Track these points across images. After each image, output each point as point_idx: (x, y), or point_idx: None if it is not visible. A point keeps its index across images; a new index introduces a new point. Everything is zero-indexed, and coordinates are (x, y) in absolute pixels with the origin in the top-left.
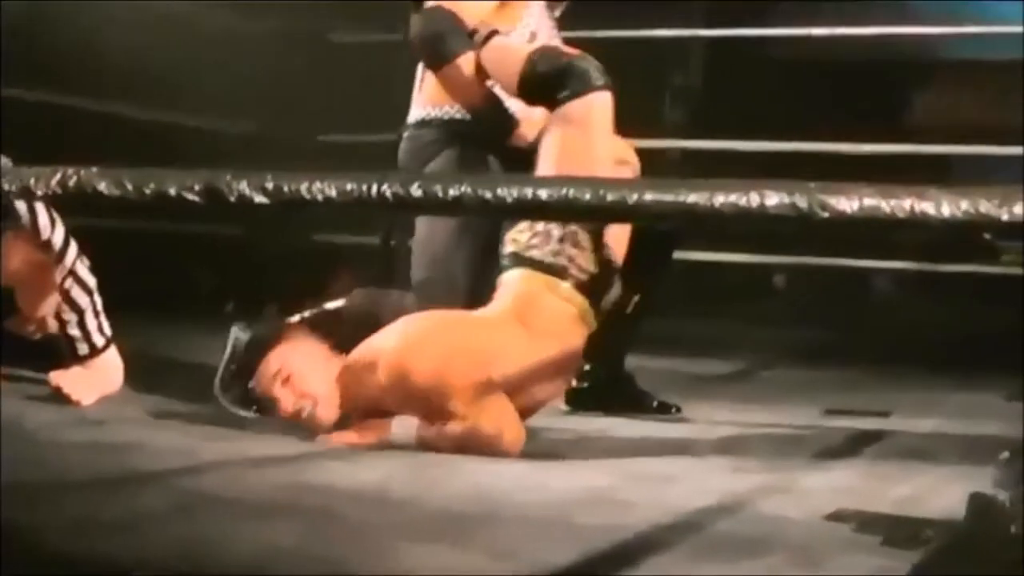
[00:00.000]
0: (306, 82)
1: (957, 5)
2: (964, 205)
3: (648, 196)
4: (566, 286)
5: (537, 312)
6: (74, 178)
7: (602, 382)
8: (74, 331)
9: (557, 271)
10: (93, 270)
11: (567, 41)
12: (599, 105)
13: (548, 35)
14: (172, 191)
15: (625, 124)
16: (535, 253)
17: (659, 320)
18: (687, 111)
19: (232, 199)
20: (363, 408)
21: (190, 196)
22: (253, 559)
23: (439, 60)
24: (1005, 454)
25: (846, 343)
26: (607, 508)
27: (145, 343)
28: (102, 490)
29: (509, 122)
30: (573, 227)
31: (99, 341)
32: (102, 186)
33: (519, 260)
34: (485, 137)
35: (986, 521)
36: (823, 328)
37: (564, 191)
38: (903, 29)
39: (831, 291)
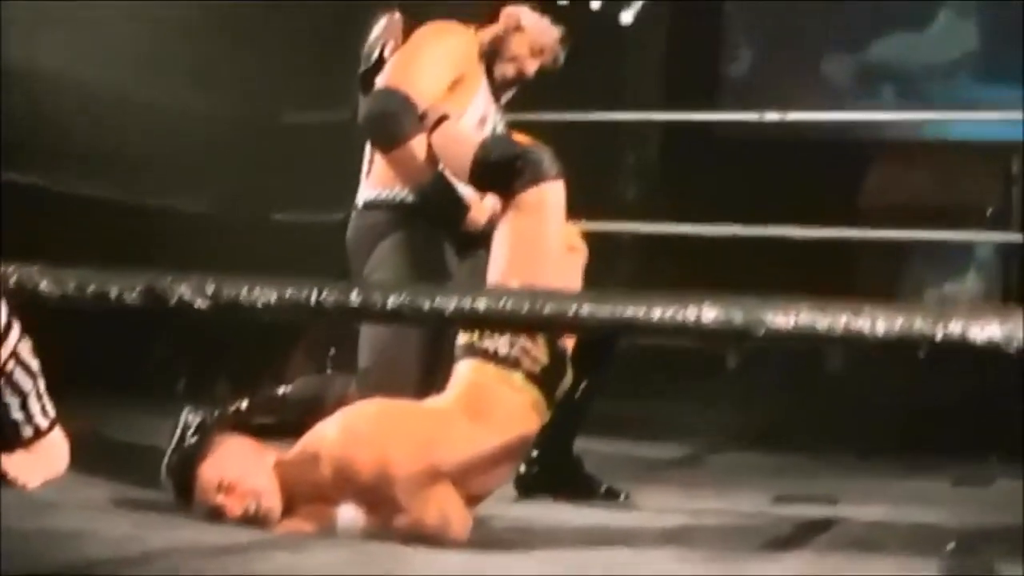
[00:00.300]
0: (260, 162)
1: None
2: (899, 323)
3: (586, 309)
4: (519, 377)
5: (487, 403)
6: (15, 276)
7: (550, 467)
8: (17, 415)
9: (510, 363)
10: (38, 346)
11: (519, 124)
12: (552, 195)
13: (495, 119)
14: (113, 293)
15: (577, 203)
16: (488, 344)
17: (609, 401)
18: (640, 191)
19: (172, 303)
20: (307, 497)
21: (131, 299)
22: None
23: (389, 142)
24: (951, 545)
25: (796, 425)
26: None
27: (96, 423)
28: None
29: (459, 207)
30: None
31: (43, 423)
32: (43, 285)
33: (472, 351)
34: (436, 220)
35: None
36: (774, 409)
37: (502, 303)
38: (852, 115)
39: (782, 370)
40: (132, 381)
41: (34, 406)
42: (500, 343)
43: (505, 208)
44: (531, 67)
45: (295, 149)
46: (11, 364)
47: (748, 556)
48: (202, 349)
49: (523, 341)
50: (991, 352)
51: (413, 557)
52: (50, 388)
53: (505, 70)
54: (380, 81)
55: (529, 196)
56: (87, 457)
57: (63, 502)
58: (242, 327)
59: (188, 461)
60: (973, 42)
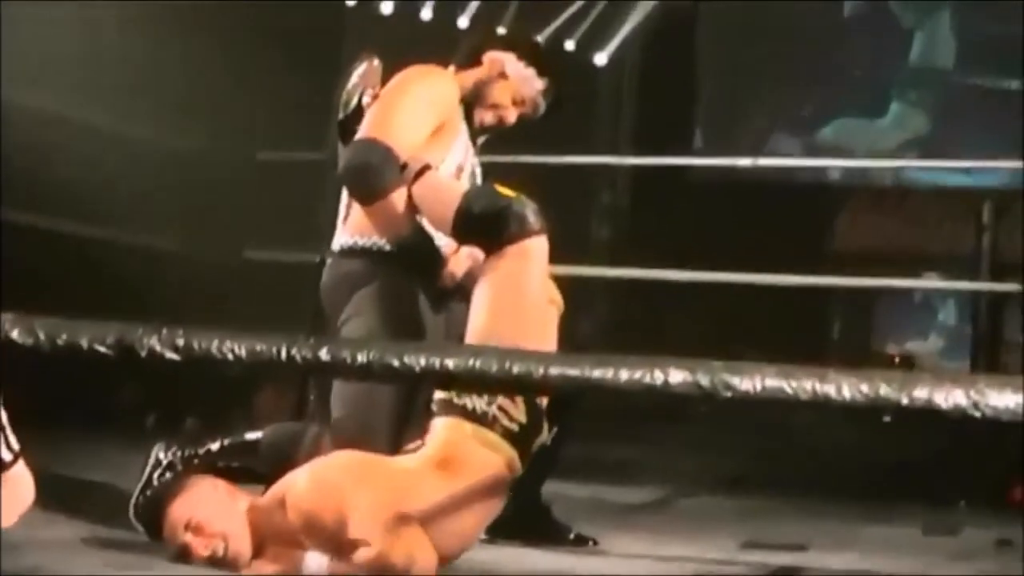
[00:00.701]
0: (233, 200)
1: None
2: (864, 389)
3: (553, 371)
4: (494, 436)
5: (460, 461)
6: None
7: (519, 511)
8: None
9: (487, 421)
10: (3, 381)
11: (491, 167)
12: (536, 249)
13: (472, 163)
14: (84, 343)
15: (551, 245)
16: (466, 402)
17: (580, 445)
18: (612, 232)
19: (143, 354)
20: (276, 541)
21: (102, 349)
22: None
23: (370, 195)
24: None
25: (766, 471)
26: None
27: (64, 461)
28: None
29: (437, 258)
30: None
31: (7, 457)
32: (14, 334)
33: (449, 408)
34: (413, 270)
35: None
36: (744, 455)
37: (471, 362)
38: (824, 161)
39: (753, 417)
40: (101, 418)
41: None
42: (477, 401)
43: (488, 260)
44: (511, 116)
45: (269, 187)
46: None
47: None
48: (172, 387)
49: (501, 400)
50: (957, 418)
51: None
52: (15, 424)
53: (484, 116)
54: (361, 131)
55: (513, 249)
56: (55, 495)
57: (29, 541)
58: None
59: (157, 499)
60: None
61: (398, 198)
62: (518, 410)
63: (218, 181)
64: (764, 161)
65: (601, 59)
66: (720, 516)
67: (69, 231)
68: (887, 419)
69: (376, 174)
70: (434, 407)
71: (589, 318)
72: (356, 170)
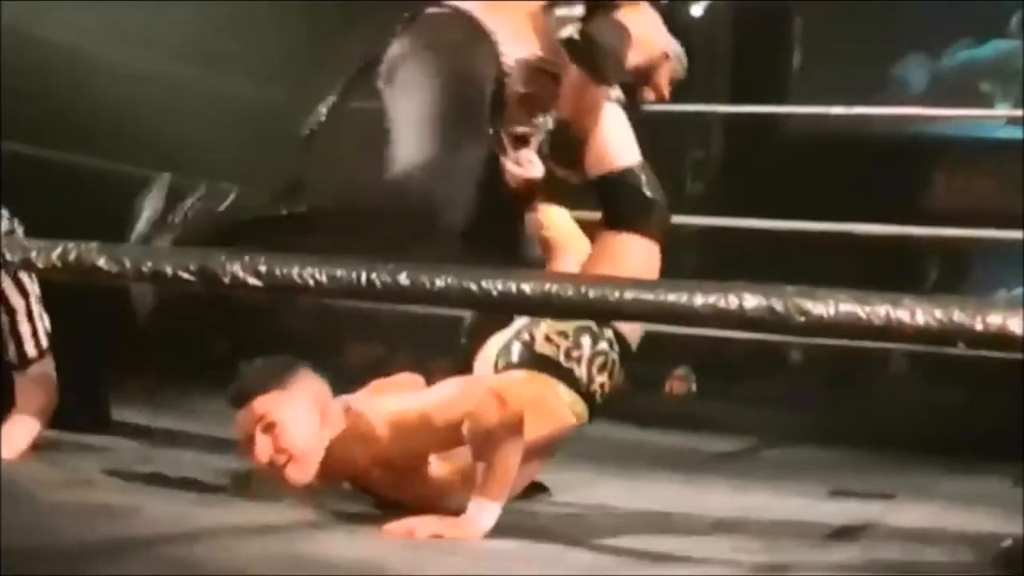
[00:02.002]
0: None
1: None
2: (938, 315)
3: (628, 295)
4: (580, 406)
5: (548, 410)
6: (73, 253)
7: None
8: (5, 334)
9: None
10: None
11: None
12: (643, 250)
13: None
14: (168, 270)
15: None
16: (573, 366)
17: (668, 398)
18: (705, 186)
19: (226, 280)
20: (344, 479)
21: (185, 275)
22: None
23: (609, 78)
24: (1007, 541)
25: (855, 422)
26: None
27: (150, 409)
28: (86, 557)
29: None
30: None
31: (31, 352)
32: (101, 262)
33: (546, 364)
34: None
35: None
36: (832, 408)
37: (547, 287)
38: (923, 110)
39: (843, 369)
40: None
41: (23, 327)
42: (582, 371)
43: (603, 230)
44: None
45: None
46: (7, 284)
47: (798, 549)
48: (265, 339)
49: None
50: None
51: (466, 545)
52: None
53: (647, 95)
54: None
55: (626, 236)
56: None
57: (109, 477)
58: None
59: (249, 385)
60: None
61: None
62: (608, 386)
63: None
64: (858, 109)
65: (697, 10)
66: (806, 466)
67: (116, 170)
68: (961, 346)
69: (620, 64)
70: (524, 356)
71: (679, 269)
72: (612, 53)
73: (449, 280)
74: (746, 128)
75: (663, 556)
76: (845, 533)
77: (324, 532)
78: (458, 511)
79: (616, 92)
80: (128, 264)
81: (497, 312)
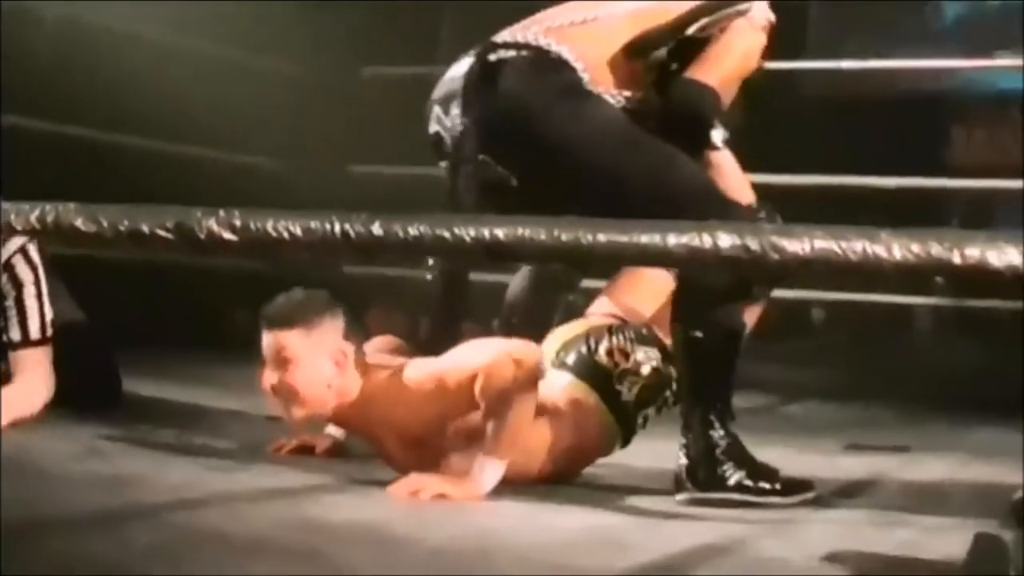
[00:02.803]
0: (341, 115)
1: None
2: (915, 249)
3: (602, 237)
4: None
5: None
6: (52, 214)
7: None
8: (10, 307)
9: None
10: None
11: None
12: None
13: None
14: (145, 228)
15: None
16: (623, 388)
17: None
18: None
19: (202, 236)
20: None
21: (162, 233)
22: None
23: (699, 147)
24: (1019, 493)
25: (874, 380)
26: (600, 549)
27: (174, 379)
28: (96, 525)
29: None
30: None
31: (34, 330)
32: (79, 222)
33: (598, 378)
34: None
35: (986, 562)
36: (852, 365)
37: (520, 231)
38: (933, 63)
39: (865, 328)
40: (207, 342)
41: (30, 303)
42: (631, 389)
43: None
44: None
45: (374, 103)
46: (17, 257)
47: (813, 502)
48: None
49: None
50: (1011, 278)
51: (469, 508)
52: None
53: None
54: (706, 74)
55: None
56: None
57: (118, 446)
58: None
59: (279, 314)
60: None
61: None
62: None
63: (323, 98)
64: (872, 63)
65: None
66: (824, 421)
67: (171, 151)
68: (940, 280)
69: (703, 126)
70: (578, 366)
71: None
72: (694, 119)
73: (422, 229)
74: (763, 87)
75: (679, 513)
76: (859, 487)
77: (331, 496)
78: None
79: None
80: (105, 224)
81: (472, 258)
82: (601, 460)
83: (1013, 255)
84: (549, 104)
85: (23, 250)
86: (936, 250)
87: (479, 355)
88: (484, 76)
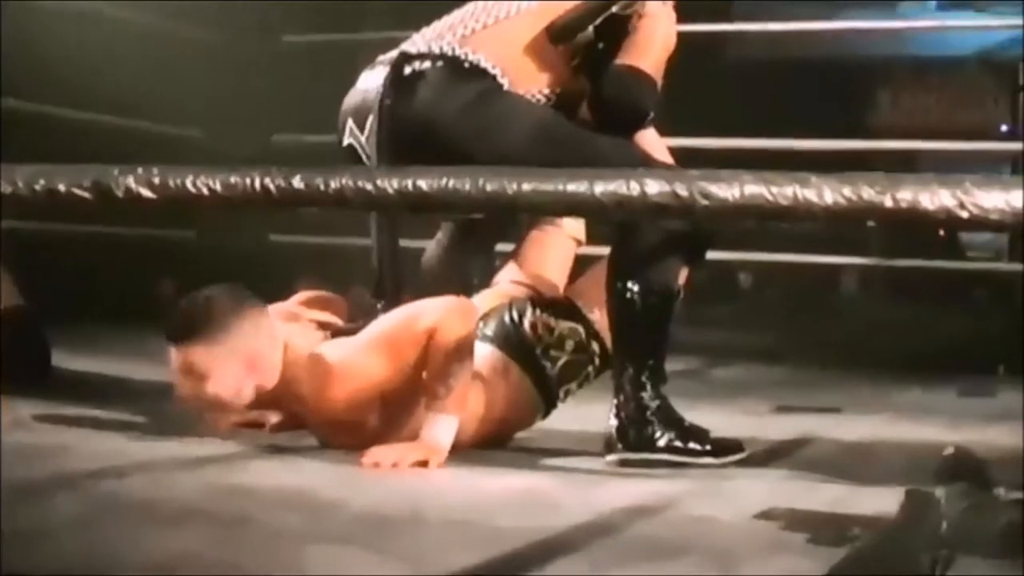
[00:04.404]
0: (261, 84)
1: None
2: (847, 192)
3: (527, 187)
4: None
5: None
6: None
7: None
8: None
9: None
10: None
11: None
12: None
13: None
14: (62, 188)
15: None
16: (547, 363)
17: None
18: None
19: (120, 195)
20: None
21: (79, 192)
22: (163, 565)
23: (633, 130)
24: (949, 449)
25: (803, 343)
26: (531, 510)
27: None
28: (19, 496)
29: None
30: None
31: None
32: None
33: (521, 351)
34: None
35: (918, 518)
36: (780, 329)
37: (444, 182)
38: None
39: (793, 290)
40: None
41: None
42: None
43: None
44: None
45: (295, 70)
46: None
47: (744, 462)
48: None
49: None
50: (943, 220)
51: (389, 475)
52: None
53: None
54: (639, 58)
55: None
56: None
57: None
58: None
59: (183, 326)
60: None
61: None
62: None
63: (242, 68)
64: (795, 25)
65: None
66: (754, 384)
67: (88, 120)
68: (871, 224)
69: (644, 118)
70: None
71: None
72: (634, 109)
73: (344, 180)
74: (689, 53)
75: (610, 473)
76: (789, 447)
77: (256, 462)
78: None
79: None
80: (21, 183)
81: (397, 210)
82: (538, 424)
83: (945, 196)
84: (469, 114)
85: None
86: (868, 193)
87: (428, 313)
88: (400, 90)
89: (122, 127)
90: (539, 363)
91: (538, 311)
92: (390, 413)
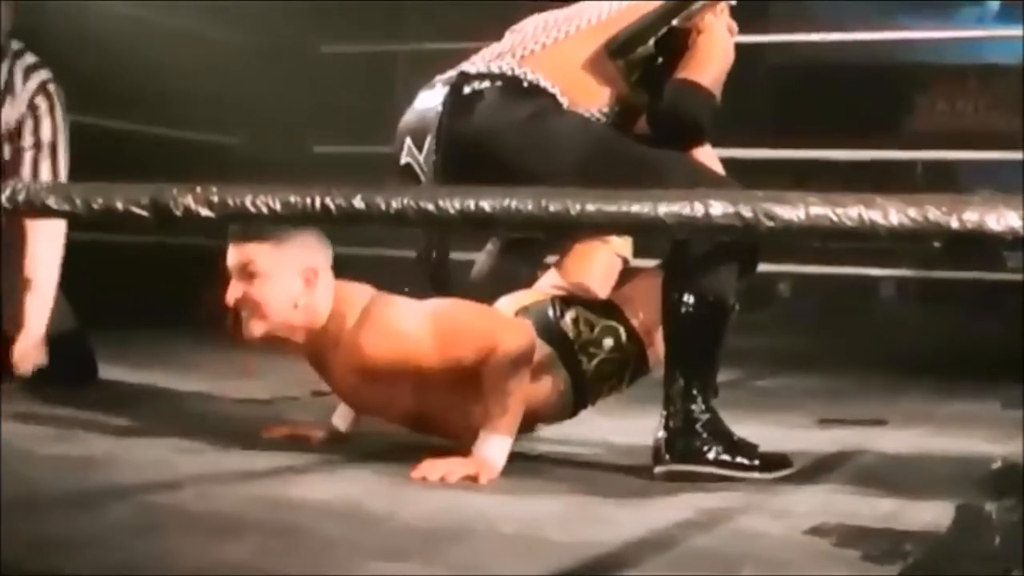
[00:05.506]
0: (301, 94)
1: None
2: (912, 213)
3: (591, 207)
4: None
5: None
6: (23, 193)
7: None
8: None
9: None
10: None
11: None
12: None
13: None
14: (120, 206)
15: None
16: (583, 359)
17: None
18: None
19: (178, 213)
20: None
21: (137, 211)
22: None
23: (693, 145)
24: (997, 463)
25: (843, 353)
26: (582, 525)
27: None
28: (70, 506)
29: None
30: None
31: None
32: (51, 201)
33: (560, 344)
34: None
35: (970, 533)
36: (820, 338)
37: (507, 202)
38: (895, 34)
39: (832, 300)
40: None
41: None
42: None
43: None
44: None
45: (335, 80)
46: (40, 98)
47: (790, 476)
48: None
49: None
50: (1011, 241)
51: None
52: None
53: None
54: (698, 74)
55: None
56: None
57: (91, 429)
58: None
59: (249, 227)
60: None
61: None
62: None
63: (284, 76)
64: (834, 36)
65: None
66: (795, 394)
67: (134, 130)
68: (937, 244)
69: (702, 132)
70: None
71: None
72: (693, 122)
73: (406, 201)
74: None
75: (659, 490)
76: (836, 460)
77: (304, 476)
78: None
79: None
80: (79, 202)
81: (459, 229)
82: (580, 437)
83: (1012, 218)
84: (527, 131)
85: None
86: (934, 215)
87: (497, 329)
88: (459, 109)
89: (164, 136)
90: (576, 357)
91: (581, 308)
92: (417, 402)
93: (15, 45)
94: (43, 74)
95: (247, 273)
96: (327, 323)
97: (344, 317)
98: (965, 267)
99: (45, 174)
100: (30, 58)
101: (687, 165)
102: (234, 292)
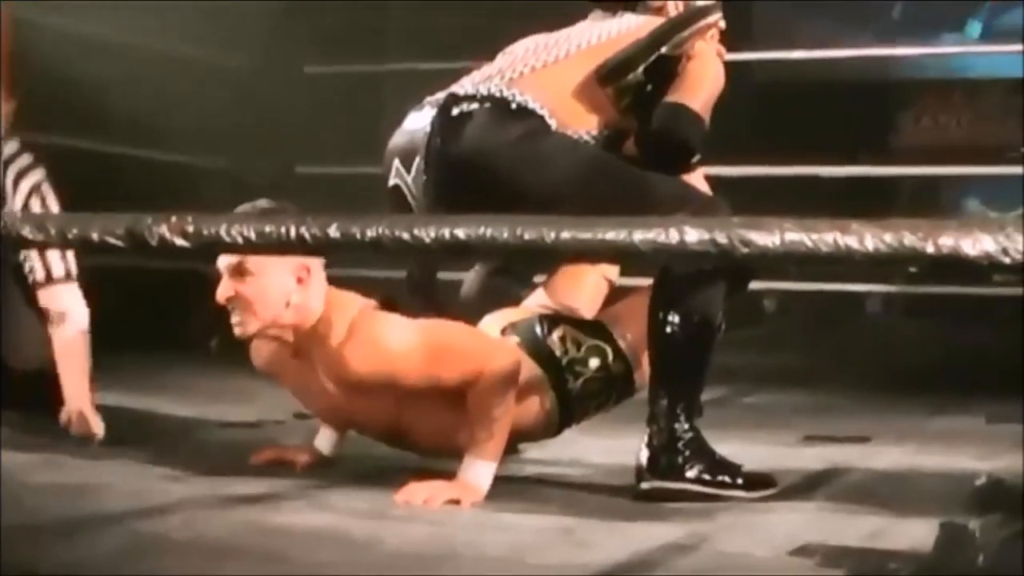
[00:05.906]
0: (284, 114)
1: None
2: (888, 239)
3: (566, 235)
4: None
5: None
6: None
7: None
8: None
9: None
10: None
11: None
12: None
13: None
14: (95, 236)
15: None
16: (569, 377)
17: None
18: None
19: (153, 243)
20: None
21: (112, 240)
22: None
23: (681, 170)
24: (981, 479)
25: (828, 368)
26: (567, 548)
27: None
28: (57, 533)
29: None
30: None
31: (58, 271)
32: (26, 231)
33: (547, 361)
34: None
35: (954, 551)
36: (805, 354)
37: (482, 230)
38: (879, 51)
39: (818, 316)
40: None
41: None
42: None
43: None
44: None
45: (318, 101)
46: (34, 199)
47: (774, 495)
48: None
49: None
50: (986, 266)
51: (423, 514)
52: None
53: None
54: (688, 97)
55: None
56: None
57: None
58: None
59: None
60: None
61: None
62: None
63: (267, 96)
64: (818, 53)
65: None
66: (780, 411)
67: (116, 152)
68: (913, 270)
69: (692, 154)
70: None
71: None
72: (682, 143)
73: (381, 230)
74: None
75: (642, 511)
76: (820, 478)
77: (290, 501)
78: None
79: None
80: (53, 231)
81: (435, 258)
82: (567, 457)
83: (987, 243)
84: (516, 152)
85: (39, 190)
86: (909, 240)
87: (487, 353)
88: (448, 130)
89: (147, 158)
90: (563, 376)
91: (568, 326)
92: (396, 418)
93: (10, 148)
94: (35, 176)
95: (240, 271)
96: (316, 325)
97: (331, 324)
98: (950, 281)
99: (41, 275)
100: (24, 160)
101: (676, 185)
102: (225, 290)
